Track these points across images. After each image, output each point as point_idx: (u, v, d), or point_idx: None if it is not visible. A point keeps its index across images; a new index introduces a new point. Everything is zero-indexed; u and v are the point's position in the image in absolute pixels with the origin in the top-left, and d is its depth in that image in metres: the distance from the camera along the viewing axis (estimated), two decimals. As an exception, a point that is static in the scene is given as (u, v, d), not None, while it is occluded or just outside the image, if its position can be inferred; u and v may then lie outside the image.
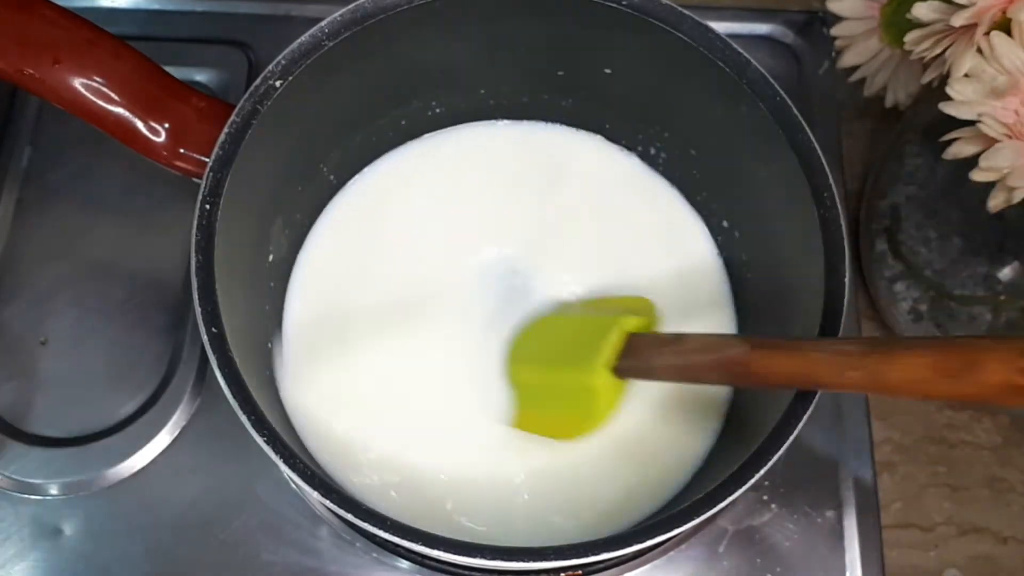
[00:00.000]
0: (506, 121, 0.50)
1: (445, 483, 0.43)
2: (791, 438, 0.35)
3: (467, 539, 0.33)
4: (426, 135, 0.50)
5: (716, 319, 0.47)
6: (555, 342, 0.42)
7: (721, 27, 0.41)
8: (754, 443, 0.35)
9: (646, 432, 0.44)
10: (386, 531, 0.33)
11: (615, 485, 0.43)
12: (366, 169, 0.49)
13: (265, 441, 0.34)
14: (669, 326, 0.46)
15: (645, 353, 0.38)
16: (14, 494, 0.46)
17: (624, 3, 0.41)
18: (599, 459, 0.43)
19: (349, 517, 0.33)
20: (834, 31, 0.49)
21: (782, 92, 0.40)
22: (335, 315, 0.46)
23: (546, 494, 0.43)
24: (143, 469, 0.47)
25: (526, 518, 0.42)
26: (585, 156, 0.50)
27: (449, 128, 0.50)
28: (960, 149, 0.40)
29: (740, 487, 0.34)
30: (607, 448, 0.43)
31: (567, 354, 0.40)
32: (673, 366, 0.37)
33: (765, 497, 0.47)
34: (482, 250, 0.47)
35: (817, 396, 0.35)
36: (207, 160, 0.38)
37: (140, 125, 0.41)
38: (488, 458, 0.43)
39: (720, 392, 0.45)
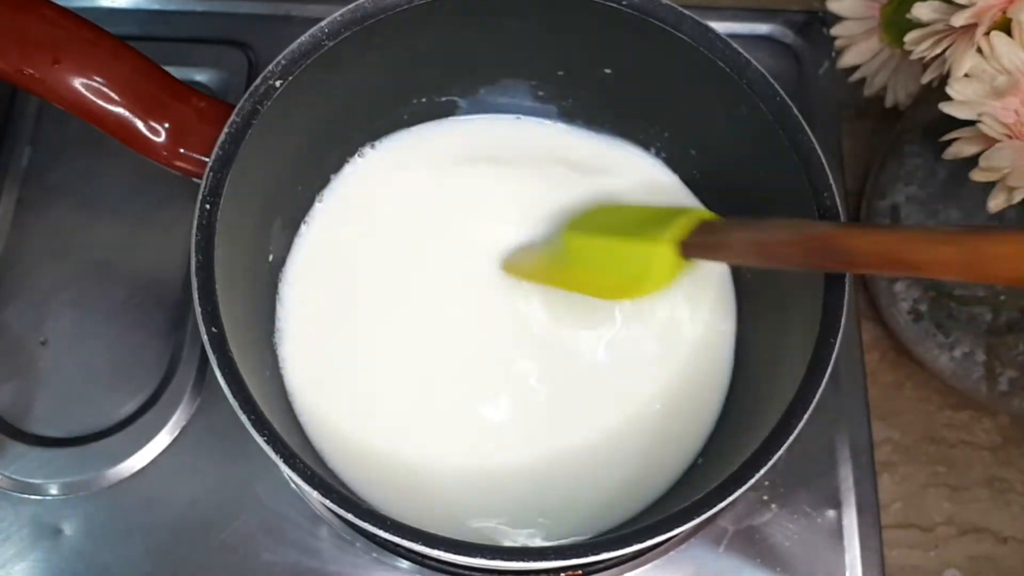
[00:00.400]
0: (509, 116, 0.50)
1: (453, 479, 0.43)
2: (791, 438, 0.35)
3: (474, 537, 0.33)
4: (421, 124, 0.50)
5: (716, 318, 0.46)
6: (619, 220, 0.43)
7: (721, 27, 0.41)
8: (754, 443, 0.35)
9: (644, 424, 0.44)
10: (386, 531, 0.33)
11: (614, 476, 0.43)
12: (359, 160, 0.49)
13: (265, 441, 0.34)
14: (670, 325, 0.46)
15: (719, 231, 0.37)
16: (14, 494, 0.46)
17: (624, 3, 0.41)
18: (597, 452, 0.43)
19: (349, 517, 0.33)
20: (834, 31, 0.49)
21: (782, 92, 0.40)
22: (336, 310, 0.46)
23: (553, 487, 0.43)
24: (143, 469, 0.47)
25: (535, 513, 0.43)
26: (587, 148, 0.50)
27: (446, 119, 0.50)
28: (960, 149, 0.40)
29: (740, 487, 0.34)
30: (604, 439, 0.43)
31: (633, 228, 0.41)
32: (750, 241, 0.36)
33: (765, 497, 0.47)
34: (482, 241, 0.47)
35: (817, 396, 0.35)
36: (207, 160, 0.38)
37: (140, 125, 0.41)
38: (498, 451, 0.43)
39: (717, 390, 0.45)
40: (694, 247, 0.37)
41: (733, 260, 0.37)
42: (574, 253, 0.43)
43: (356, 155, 0.48)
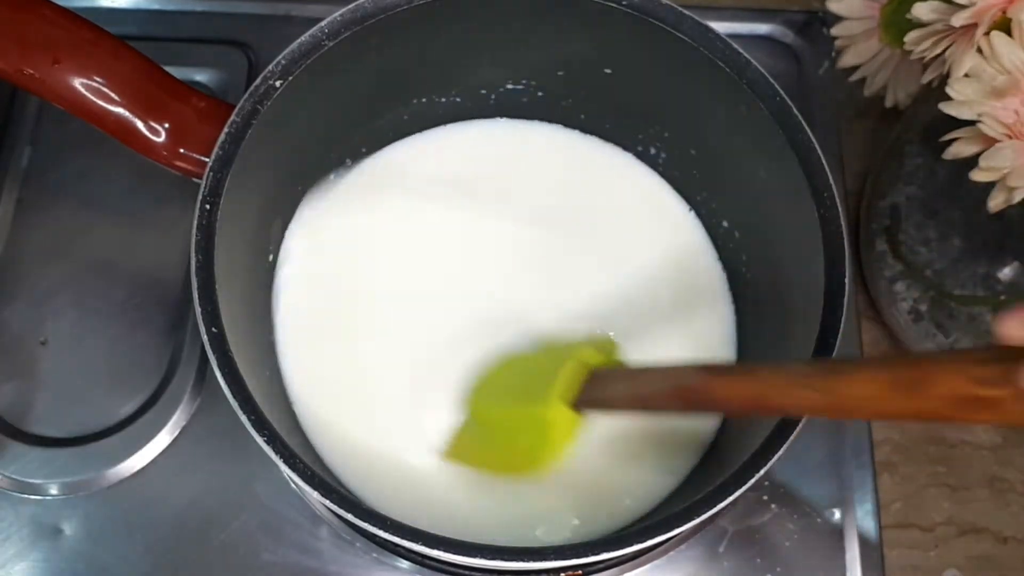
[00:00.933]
0: (506, 120, 0.50)
1: (450, 479, 0.43)
2: (791, 439, 0.35)
3: (473, 537, 0.33)
4: (423, 131, 0.50)
5: (715, 320, 0.46)
6: (513, 378, 0.42)
7: (721, 27, 0.41)
8: (754, 443, 0.35)
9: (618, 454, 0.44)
10: (386, 531, 0.33)
11: (613, 480, 0.43)
12: (355, 166, 0.49)
13: (265, 441, 0.34)
14: (670, 328, 0.46)
15: (602, 384, 0.38)
16: (14, 494, 0.46)
17: (624, 3, 0.41)
18: (596, 454, 0.43)
19: (349, 517, 0.33)
20: (834, 31, 0.49)
21: (782, 92, 0.40)
22: (335, 311, 0.46)
23: (553, 489, 0.43)
24: (143, 469, 0.47)
25: (534, 514, 0.42)
26: (582, 156, 0.50)
27: (448, 125, 0.50)
28: (960, 149, 0.40)
29: (740, 487, 0.34)
30: (604, 441, 0.43)
31: (523, 389, 0.40)
32: (631, 395, 0.37)
33: (765, 497, 0.47)
34: (479, 245, 0.47)
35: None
36: (207, 160, 0.38)
37: (140, 125, 0.41)
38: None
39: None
40: (584, 403, 0.37)
41: (619, 411, 0.38)
42: (480, 423, 0.42)
43: (353, 160, 0.49)
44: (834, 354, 0.36)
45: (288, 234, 0.46)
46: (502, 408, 0.42)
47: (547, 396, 0.37)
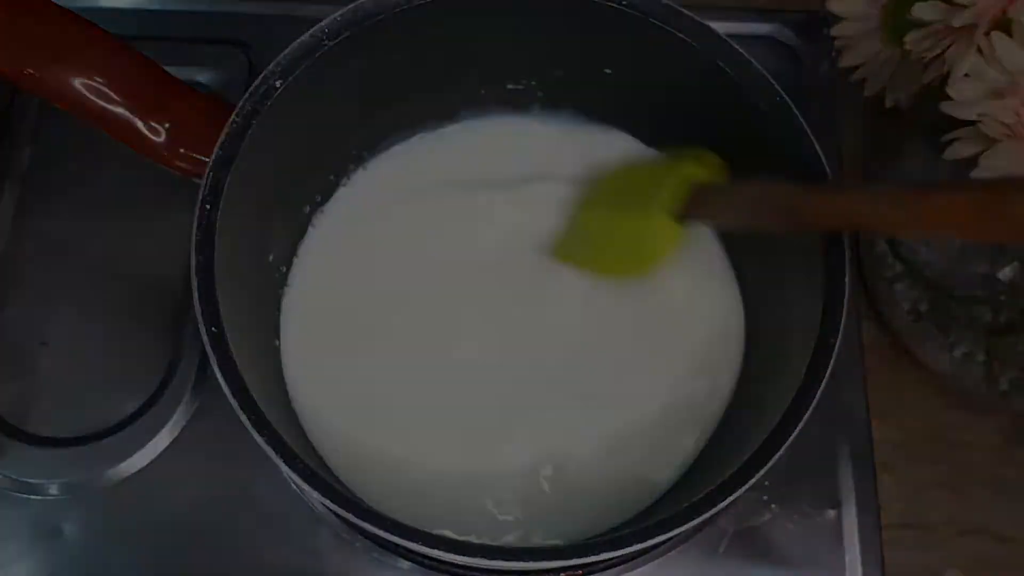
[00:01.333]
0: (508, 116, 0.50)
1: (453, 479, 0.43)
2: (791, 438, 0.35)
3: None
4: (424, 132, 0.50)
5: (719, 318, 0.46)
6: (622, 188, 0.46)
7: (721, 27, 0.41)
8: (754, 443, 0.35)
9: (638, 427, 0.44)
10: (386, 531, 0.33)
11: (614, 477, 0.43)
12: (367, 164, 0.49)
13: (265, 441, 0.34)
14: (675, 323, 0.46)
15: (704, 198, 0.41)
16: (14, 494, 0.46)
17: (624, 3, 0.41)
18: (598, 453, 0.43)
19: (349, 517, 0.33)
20: (834, 31, 0.49)
21: (782, 92, 0.40)
22: (338, 312, 0.46)
23: (554, 488, 0.43)
24: (143, 469, 0.47)
25: (536, 513, 0.42)
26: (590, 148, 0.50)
27: (452, 124, 0.50)
28: (960, 149, 0.40)
29: (740, 487, 0.34)
30: (604, 442, 0.43)
31: (631, 198, 0.44)
32: (731, 210, 0.40)
33: (765, 497, 0.47)
34: (482, 249, 0.47)
35: (817, 396, 0.35)
36: (207, 160, 0.38)
37: (140, 125, 0.41)
38: (497, 452, 0.43)
39: (719, 392, 0.45)
40: (686, 214, 0.41)
41: (717, 222, 0.42)
42: (583, 227, 0.46)
43: (360, 165, 0.49)
44: (834, 355, 0.36)
45: (290, 233, 0.46)
46: (610, 214, 0.45)
47: (653, 206, 0.41)
